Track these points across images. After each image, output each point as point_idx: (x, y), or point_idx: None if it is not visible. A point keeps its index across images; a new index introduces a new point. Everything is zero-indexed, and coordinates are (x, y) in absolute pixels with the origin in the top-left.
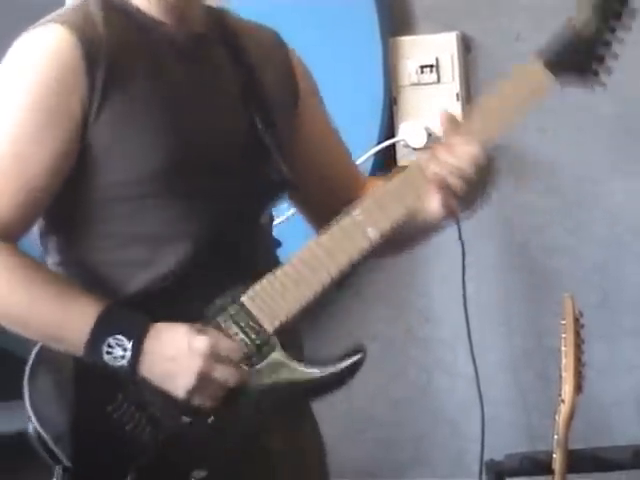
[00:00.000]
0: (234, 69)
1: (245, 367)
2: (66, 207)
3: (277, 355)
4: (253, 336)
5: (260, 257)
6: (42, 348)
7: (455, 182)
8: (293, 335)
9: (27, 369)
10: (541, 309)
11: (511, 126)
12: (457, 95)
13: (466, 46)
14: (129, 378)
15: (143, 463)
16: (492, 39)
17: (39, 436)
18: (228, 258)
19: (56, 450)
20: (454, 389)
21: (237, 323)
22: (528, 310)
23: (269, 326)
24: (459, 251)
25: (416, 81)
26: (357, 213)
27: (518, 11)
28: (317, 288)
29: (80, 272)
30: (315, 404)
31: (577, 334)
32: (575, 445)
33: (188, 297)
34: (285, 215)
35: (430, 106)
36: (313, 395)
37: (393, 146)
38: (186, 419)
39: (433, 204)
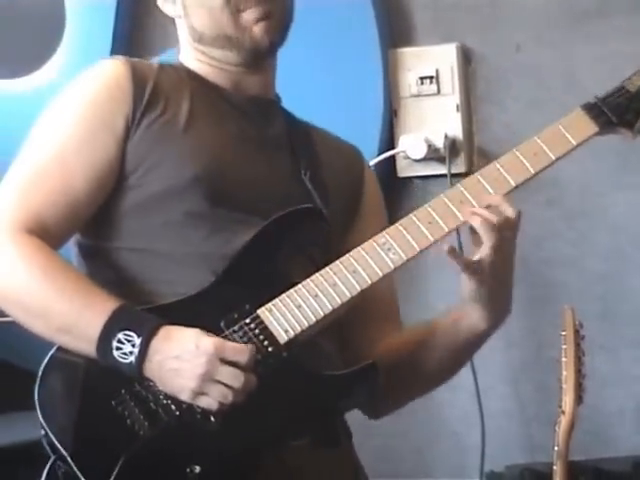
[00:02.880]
0: (294, 149)
1: (254, 378)
2: (100, 220)
3: (290, 364)
4: (266, 344)
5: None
6: (56, 350)
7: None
8: (316, 348)
9: (40, 369)
10: (541, 321)
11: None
12: (457, 106)
13: (466, 58)
14: (135, 377)
15: (135, 452)
16: (492, 51)
17: (44, 430)
18: (254, 286)
19: (56, 441)
20: (454, 400)
21: (249, 333)
22: (529, 322)
23: (281, 338)
24: None
25: (416, 92)
26: (382, 239)
27: (518, 23)
28: (334, 304)
29: (104, 285)
30: None
31: (577, 346)
32: (575, 456)
33: (205, 310)
34: None
35: (430, 117)
36: (329, 403)
37: (393, 157)
38: (186, 420)
39: (464, 284)
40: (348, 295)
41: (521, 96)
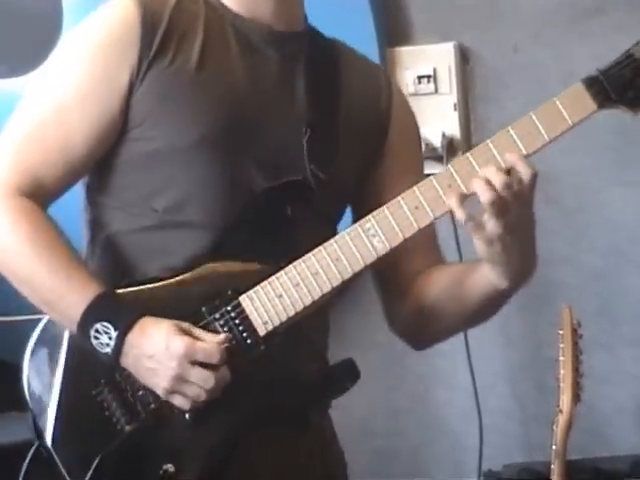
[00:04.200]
0: (310, 80)
1: (227, 370)
2: (102, 177)
3: (268, 357)
4: (245, 335)
5: (282, 255)
6: (45, 325)
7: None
8: (298, 338)
9: (29, 344)
10: (539, 319)
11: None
12: (454, 105)
13: (464, 57)
14: (114, 367)
15: (113, 449)
16: (490, 50)
17: (30, 411)
18: (247, 253)
19: (38, 425)
20: (452, 400)
21: (230, 322)
22: (526, 320)
23: (261, 329)
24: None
25: (413, 91)
26: (368, 223)
27: (516, 22)
28: (315, 295)
29: (103, 248)
30: None
31: (575, 344)
32: (573, 455)
33: (192, 291)
34: None
35: (428, 117)
36: (306, 398)
37: None
38: (163, 413)
39: (475, 245)
40: (329, 286)
41: (519, 95)
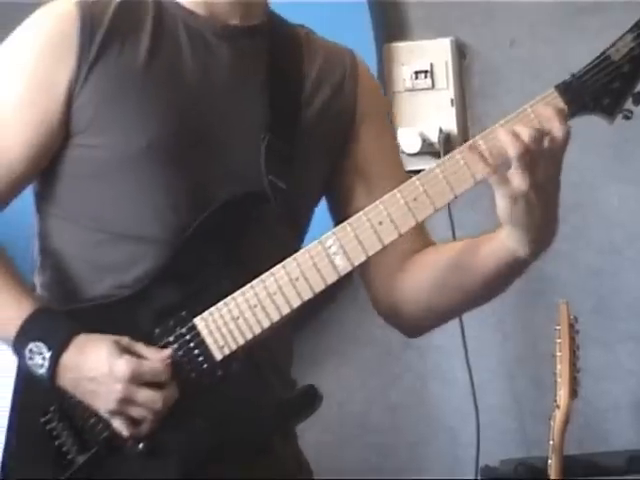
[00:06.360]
0: (269, 76)
1: (174, 387)
2: (50, 186)
3: (225, 384)
4: (201, 360)
5: (240, 271)
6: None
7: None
8: (269, 359)
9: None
10: (536, 315)
11: None
12: (452, 101)
13: (460, 52)
14: (59, 393)
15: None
16: (486, 45)
17: None
18: (200, 270)
19: None
20: (449, 395)
21: (184, 346)
22: (523, 316)
23: (217, 353)
24: None
25: (410, 87)
26: (329, 240)
27: (512, 17)
28: (274, 317)
29: (53, 263)
30: None
31: (572, 340)
32: (570, 451)
33: (144, 311)
34: None
35: (425, 112)
36: (266, 429)
37: None
38: (116, 443)
39: (497, 202)
40: (288, 307)
41: (516, 90)
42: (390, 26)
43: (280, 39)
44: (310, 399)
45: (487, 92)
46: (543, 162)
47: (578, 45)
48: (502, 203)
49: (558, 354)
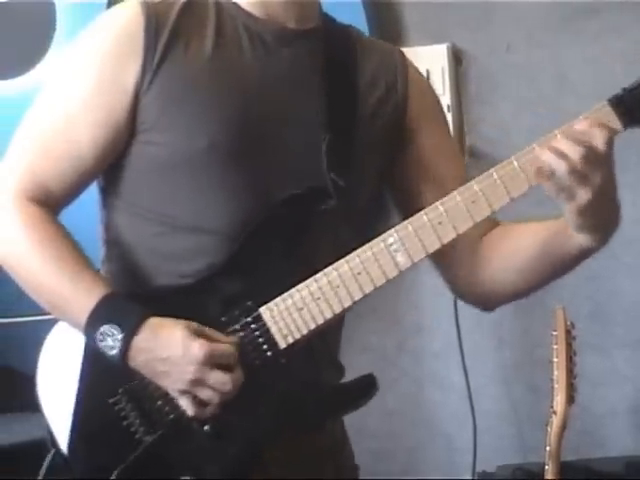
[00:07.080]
0: (326, 77)
1: (240, 372)
2: (115, 181)
3: (288, 371)
4: (265, 347)
5: (301, 265)
6: (60, 326)
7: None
8: (322, 345)
9: (45, 346)
10: (533, 321)
11: None
12: (448, 107)
13: (457, 58)
14: (124, 370)
15: (132, 461)
16: (483, 51)
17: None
18: (263, 263)
19: (54, 434)
20: (446, 401)
21: (250, 334)
22: (520, 322)
23: (282, 342)
24: None
25: None
26: (390, 238)
27: (509, 23)
28: (336, 309)
29: (118, 253)
30: None
31: (569, 345)
32: (567, 456)
33: (209, 300)
34: None
35: None
36: (325, 412)
37: None
38: (182, 424)
39: (564, 210)
40: (349, 301)
41: (512, 96)
42: (386, 32)
43: (334, 40)
44: (368, 388)
45: (484, 98)
46: (596, 169)
47: (574, 51)
48: (572, 218)
49: (555, 360)
